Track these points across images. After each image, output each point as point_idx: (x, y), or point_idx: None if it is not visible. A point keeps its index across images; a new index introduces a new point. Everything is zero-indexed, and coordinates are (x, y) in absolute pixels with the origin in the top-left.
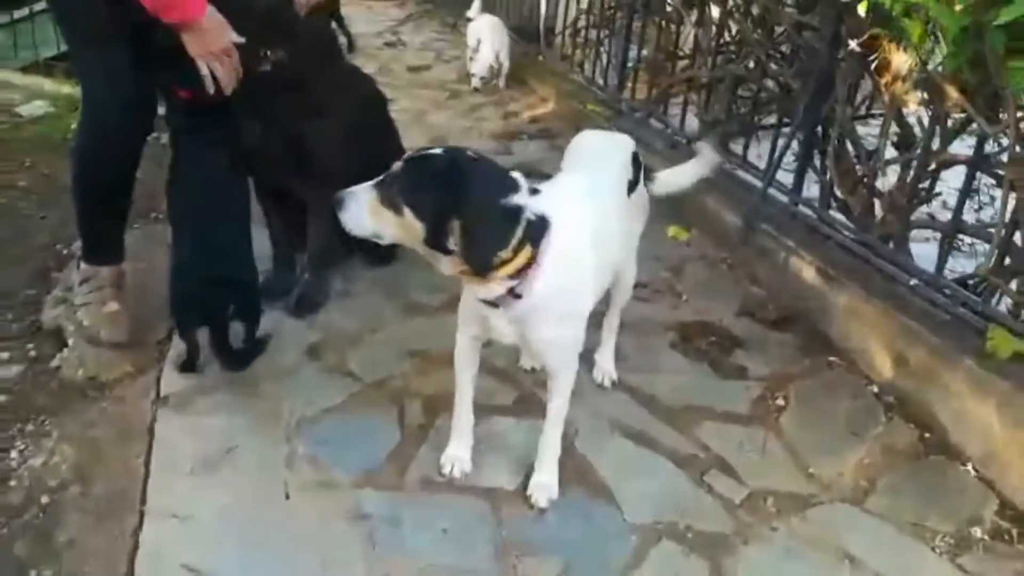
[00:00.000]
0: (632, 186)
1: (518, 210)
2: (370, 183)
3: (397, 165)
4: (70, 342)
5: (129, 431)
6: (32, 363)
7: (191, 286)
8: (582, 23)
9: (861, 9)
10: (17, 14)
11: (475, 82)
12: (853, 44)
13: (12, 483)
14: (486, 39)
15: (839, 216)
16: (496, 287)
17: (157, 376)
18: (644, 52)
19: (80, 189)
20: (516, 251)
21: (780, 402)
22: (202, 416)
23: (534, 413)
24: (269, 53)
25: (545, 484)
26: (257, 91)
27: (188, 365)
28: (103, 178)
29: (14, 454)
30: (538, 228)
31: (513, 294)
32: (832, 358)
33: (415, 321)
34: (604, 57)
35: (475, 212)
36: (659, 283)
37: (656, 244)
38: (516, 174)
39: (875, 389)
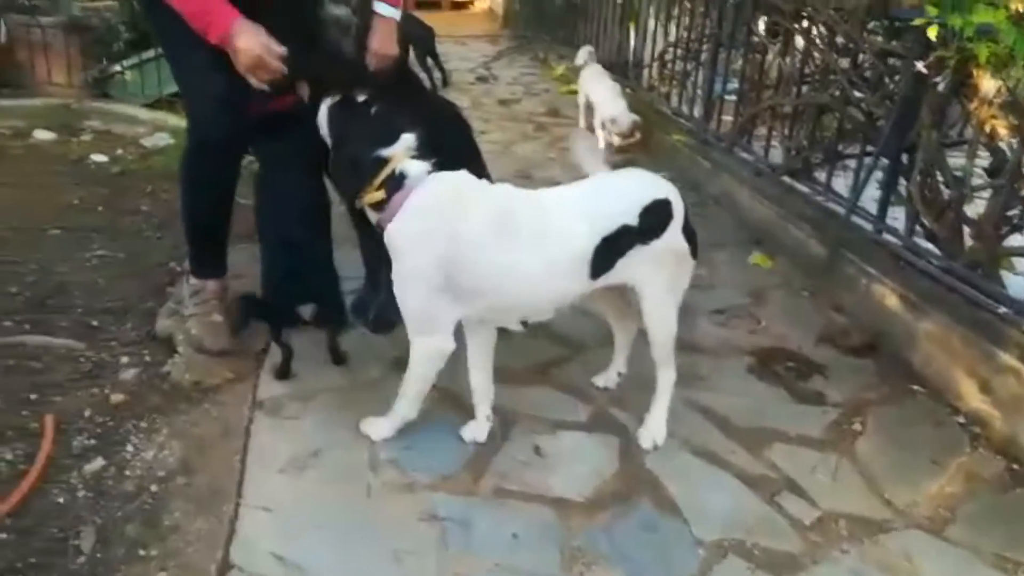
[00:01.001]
0: (646, 236)
1: (375, 160)
2: (333, 101)
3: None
4: (179, 349)
5: (229, 431)
6: (147, 367)
7: (279, 289)
8: (669, 56)
9: (931, 33)
10: (145, 55)
11: (615, 140)
12: (919, 66)
13: (127, 472)
14: (608, 92)
15: (925, 243)
16: (370, 211)
17: (255, 383)
18: (731, 84)
19: (187, 207)
20: (375, 189)
21: (856, 427)
22: (293, 420)
23: (606, 429)
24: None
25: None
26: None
27: (283, 371)
28: (206, 195)
29: (129, 447)
30: (394, 180)
31: (379, 226)
32: (914, 386)
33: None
34: (690, 88)
35: (338, 151)
36: (738, 309)
37: (738, 271)
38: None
39: (960, 419)
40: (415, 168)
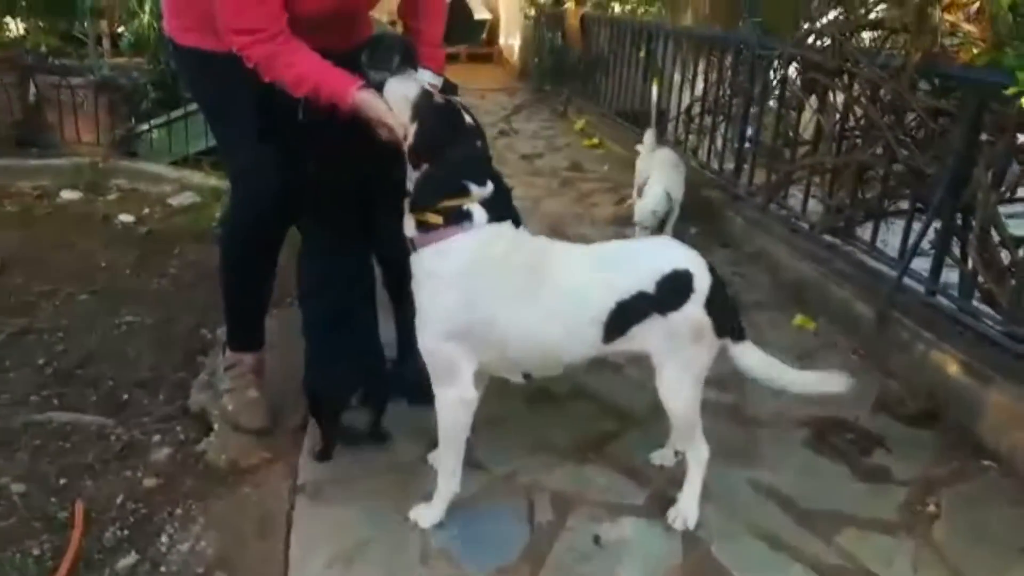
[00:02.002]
0: (663, 306)
1: (462, 189)
2: (422, 85)
3: (440, 99)
4: (215, 427)
5: (268, 519)
6: (180, 447)
7: (325, 373)
8: (696, 110)
9: None
10: (173, 114)
11: (638, 228)
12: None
13: (162, 568)
14: (657, 176)
15: (982, 307)
16: (411, 225)
17: (294, 463)
18: (760, 136)
19: (227, 284)
20: (435, 212)
21: (931, 509)
22: (336, 506)
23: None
24: None
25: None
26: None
27: (324, 454)
28: (248, 273)
29: (164, 539)
30: (460, 215)
31: (412, 243)
32: (985, 461)
33: (540, 411)
34: (719, 141)
35: (441, 168)
36: None
37: (782, 334)
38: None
39: None
40: (480, 212)
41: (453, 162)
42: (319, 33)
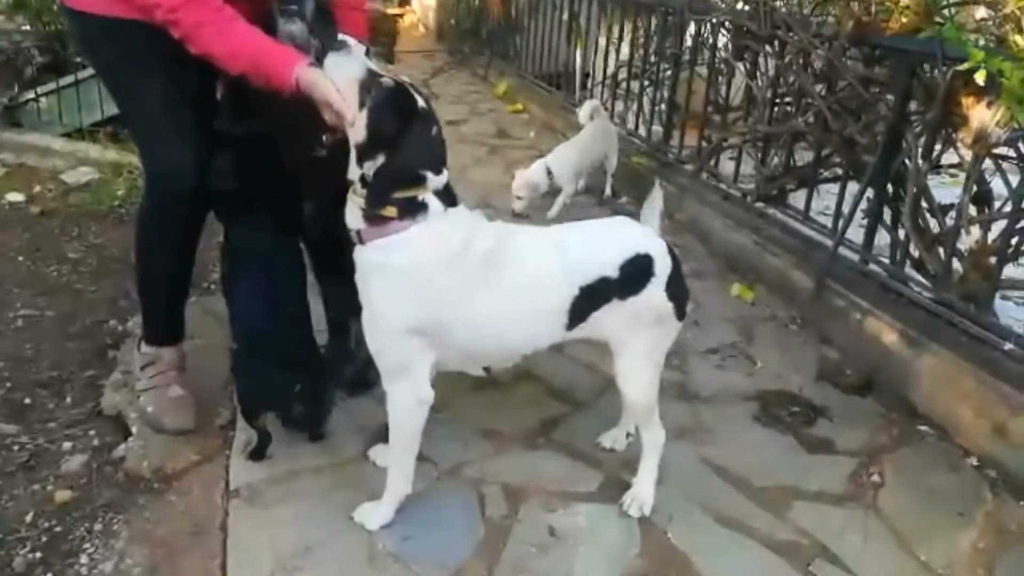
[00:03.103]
0: (623, 291)
1: (418, 179)
2: (366, 64)
3: (390, 81)
4: (134, 430)
5: (201, 528)
6: (95, 453)
7: (257, 366)
8: (622, 75)
9: (980, 78)
10: (63, 81)
11: (516, 204)
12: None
13: None
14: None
15: (914, 274)
16: (357, 217)
17: (225, 465)
18: (689, 102)
19: (143, 270)
20: (390, 204)
21: (875, 479)
22: (275, 509)
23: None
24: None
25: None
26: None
27: (258, 453)
28: (170, 253)
29: (84, 558)
30: (416, 206)
31: (360, 236)
32: (921, 427)
33: (485, 396)
34: (647, 108)
35: (401, 158)
36: (731, 348)
37: (722, 305)
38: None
39: (974, 462)
40: (436, 203)
41: (410, 152)
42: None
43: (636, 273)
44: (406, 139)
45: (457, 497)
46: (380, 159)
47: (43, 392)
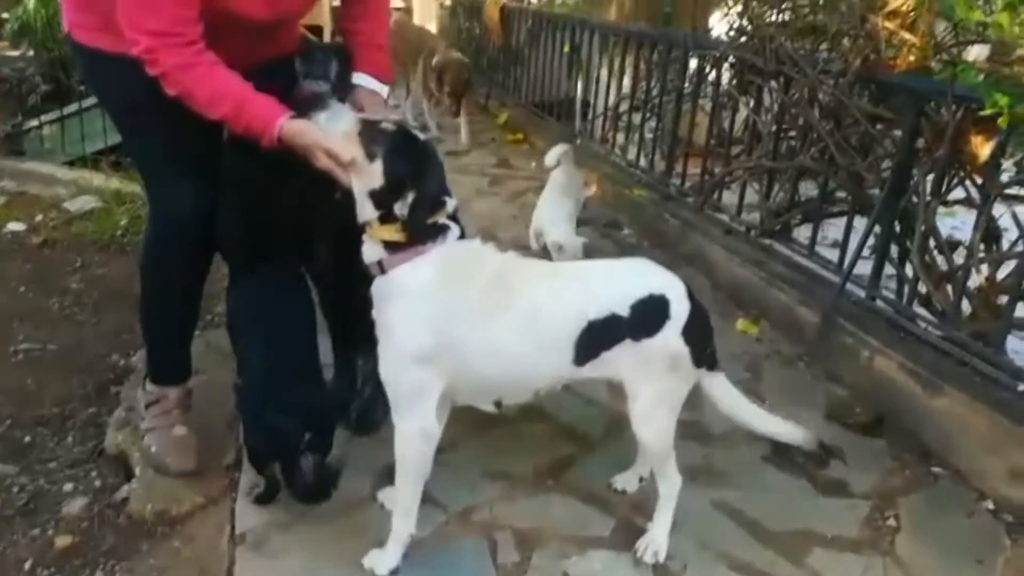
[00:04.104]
0: (636, 332)
1: (443, 204)
2: (354, 116)
3: (389, 126)
4: (137, 471)
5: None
6: (97, 496)
7: (266, 417)
8: (624, 107)
9: (1003, 123)
10: (66, 110)
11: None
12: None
13: None
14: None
15: (923, 311)
16: (378, 251)
17: (231, 508)
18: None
19: (148, 307)
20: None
21: (891, 523)
22: (283, 558)
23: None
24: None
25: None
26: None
27: (267, 498)
28: (175, 292)
29: None
30: (436, 229)
31: (381, 266)
32: (935, 468)
33: (493, 436)
34: (649, 140)
35: (429, 189)
36: (739, 385)
37: (727, 340)
38: None
39: (990, 505)
40: (454, 226)
41: (432, 182)
42: (238, 40)
43: (650, 314)
44: (426, 172)
45: (467, 543)
46: (410, 195)
47: (44, 430)
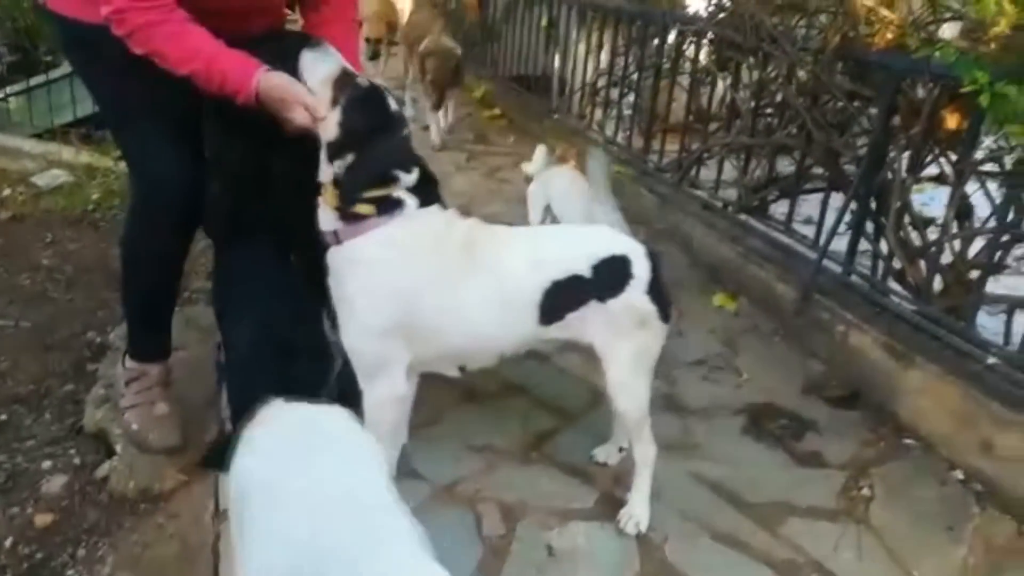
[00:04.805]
0: (601, 292)
1: (392, 177)
2: (342, 63)
3: (365, 81)
4: (117, 448)
5: (191, 551)
6: (77, 473)
7: (253, 394)
8: (602, 83)
9: (984, 100)
10: (33, 81)
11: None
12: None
13: None
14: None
15: (897, 286)
16: (331, 219)
17: (214, 484)
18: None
19: (129, 284)
20: (364, 203)
21: (865, 492)
22: None
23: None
24: None
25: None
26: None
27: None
28: (157, 266)
29: None
30: (391, 203)
31: (336, 236)
32: (907, 440)
33: (475, 410)
34: (627, 117)
35: (372, 156)
36: (717, 359)
37: (705, 315)
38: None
39: (959, 475)
40: (411, 200)
41: (382, 150)
42: (215, 25)
43: (613, 274)
44: (377, 138)
45: (453, 515)
46: (350, 157)
47: (20, 408)
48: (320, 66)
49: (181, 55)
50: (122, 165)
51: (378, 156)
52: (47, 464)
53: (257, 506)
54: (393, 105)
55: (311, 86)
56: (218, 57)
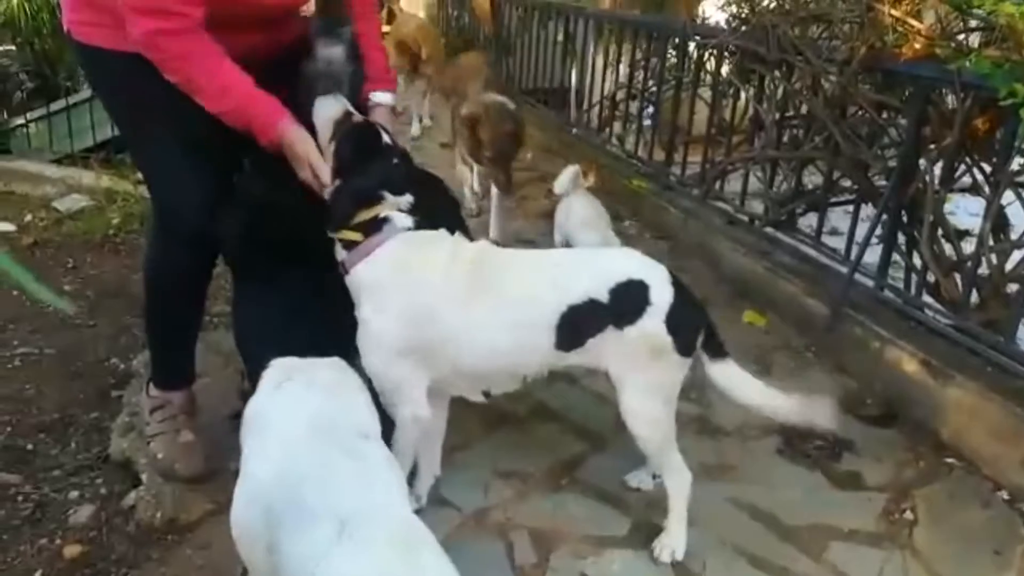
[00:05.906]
0: (617, 319)
1: (377, 198)
2: (345, 107)
3: (360, 119)
4: (143, 478)
5: None
6: (104, 503)
7: None
8: (621, 96)
9: None
10: (53, 106)
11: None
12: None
13: None
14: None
15: (931, 300)
16: (339, 250)
17: None
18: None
19: (152, 312)
20: (355, 230)
21: (908, 515)
22: None
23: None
24: None
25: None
26: None
27: None
28: (179, 294)
29: None
30: (378, 223)
31: (343, 266)
32: (948, 459)
33: (502, 435)
34: (647, 129)
35: (355, 179)
36: None
37: (735, 332)
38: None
39: (1005, 495)
40: (400, 218)
41: (365, 174)
42: (241, 32)
43: (629, 300)
44: (361, 165)
45: (484, 544)
46: (337, 183)
47: (45, 437)
48: (326, 110)
49: (215, 92)
50: (142, 189)
51: (361, 179)
52: (74, 494)
53: (255, 429)
54: (386, 139)
55: (318, 126)
56: (249, 102)
